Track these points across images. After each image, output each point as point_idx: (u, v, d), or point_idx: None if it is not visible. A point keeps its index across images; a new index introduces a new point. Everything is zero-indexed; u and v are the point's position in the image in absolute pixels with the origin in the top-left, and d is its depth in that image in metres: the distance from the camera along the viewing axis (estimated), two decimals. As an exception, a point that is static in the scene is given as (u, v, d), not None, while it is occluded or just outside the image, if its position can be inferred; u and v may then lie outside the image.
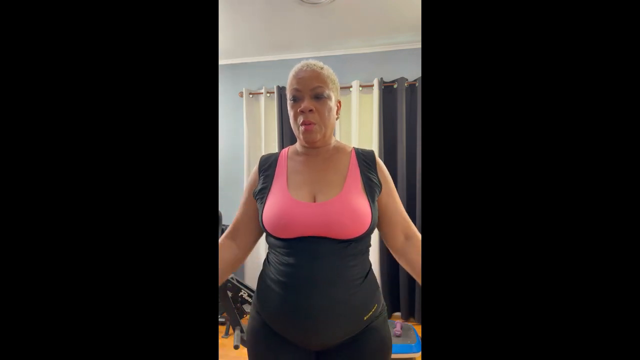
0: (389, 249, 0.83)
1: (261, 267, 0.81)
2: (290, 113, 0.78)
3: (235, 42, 2.36)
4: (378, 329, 0.75)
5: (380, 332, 0.75)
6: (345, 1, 1.84)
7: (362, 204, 0.72)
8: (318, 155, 0.80)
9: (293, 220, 0.70)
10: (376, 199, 0.76)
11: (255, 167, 0.85)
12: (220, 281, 0.83)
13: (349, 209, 0.70)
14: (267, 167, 0.82)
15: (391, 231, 0.80)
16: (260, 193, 0.78)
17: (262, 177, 0.81)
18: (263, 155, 0.86)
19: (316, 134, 0.75)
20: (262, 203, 0.76)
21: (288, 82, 0.78)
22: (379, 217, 0.78)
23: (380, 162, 0.81)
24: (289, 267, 0.71)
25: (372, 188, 0.75)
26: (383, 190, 0.78)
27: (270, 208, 0.73)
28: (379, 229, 0.81)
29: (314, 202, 0.72)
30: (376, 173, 0.79)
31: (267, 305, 0.74)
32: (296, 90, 0.75)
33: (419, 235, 0.80)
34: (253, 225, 0.82)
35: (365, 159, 0.80)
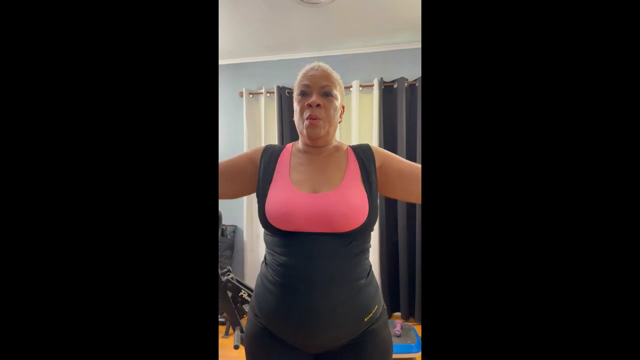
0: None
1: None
2: (297, 108, 0.79)
3: (235, 42, 2.36)
4: (379, 331, 0.75)
5: (381, 335, 0.75)
6: (345, 1, 1.84)
7: (360, 194, 0.73)
8: (320, 154, 0.81)
9: (295, 211, 0.70)
10: (375, 190, 0.76)
11: (258, 149, 0.84)
12: None
13: (348, 198, 0.71)
14: (269, 157, 0.82)
15: (417, 186, 0.78)
16: (262, 183, 0.78)
17: (262, 165, 0.81)
18: (268, 145, 0.86)
19: (320, 129, 0.76)
20: (264, 196, 0.76)
21: (297, 81, 0.80)
22: (404, 184, 0.78)
23: (376, 149, 0.82)
24: (287, 267, 0.71)
25: (370, 180, 0.76)
26: (389, 165, 0.79)
27: (273, 199, 0.73)
28: (406, 195, 0.81)
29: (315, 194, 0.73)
30: (374, 164, 0.79)
31: (265, 308, 0.73)
32: (305, 86, 0.77)
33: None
34: (228, 176, 0.82)
35: (362, 153, 0.81)
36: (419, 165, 0.80)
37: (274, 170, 0.79)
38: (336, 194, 0.72)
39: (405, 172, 0.79)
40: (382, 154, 0.81)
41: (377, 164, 0.79)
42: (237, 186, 0.84)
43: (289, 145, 0.85)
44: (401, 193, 0.81)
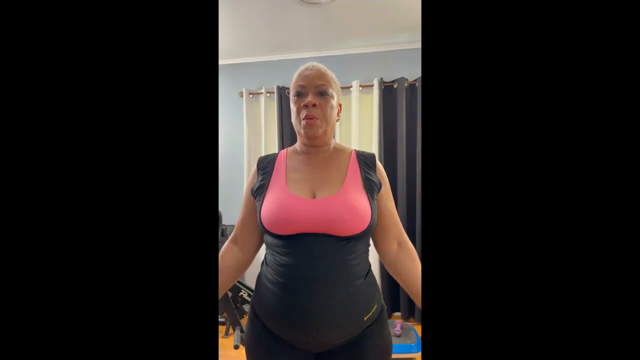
0: (380, 254, 0.83)
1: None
2: (293, 109, 0.79)
3: (235, 42, 2.36)
4: (378, 330, 0.75)
5: (381, 334, 0.75)
6: (345, 1, 1.84)
7: (362, 200, 0.72)
8: (318, 154, 0.81)
9: (292, 216, 0.70)
10: (375, 197, 0.76)
11: (254, 168, 0.85)
12: (226, 288, 0.83)
13: (349, 205, 0.70)
14: (265, 165, 0.82)
15: (385, 236, 0.80)
16: (258, 190, 0.79)
17: (260, 175, 0.81)
18: (261, 156, 0.86)
19: (318, 128, 0.76)
20: (260, 200, 0.76)
21: (292, 81, 0.80)
22: (379, 223, 0.79)
23: (379, 165, 0.82)
24: (287, 267, 0.71)
25: (371, 187, 0.76)
26: (381, 192, 0.79)
27: (269, 204, 0.73)
28: (371, 233, 0.81)
29: (314, 198, 0.73)
30: (375, 174, 0.79)
31: (265, 307, 0.74)
32: (301, 86, 0.77)
33: (411, 244, 0.81)
34: (255, 226, 0.81)
35: (365, 160, 0.81)
36: (395, 214, 0.81)
37: (270, 176, 0.79)
38: (336, 199, 0.71)
39: (386, 214, 0.79)
40: (383, 177, 0.81)
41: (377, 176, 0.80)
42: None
43: (282, 151, 0.85)
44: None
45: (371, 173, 0.78)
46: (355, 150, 0.83)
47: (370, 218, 0.71)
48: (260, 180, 0.80)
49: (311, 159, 0.80)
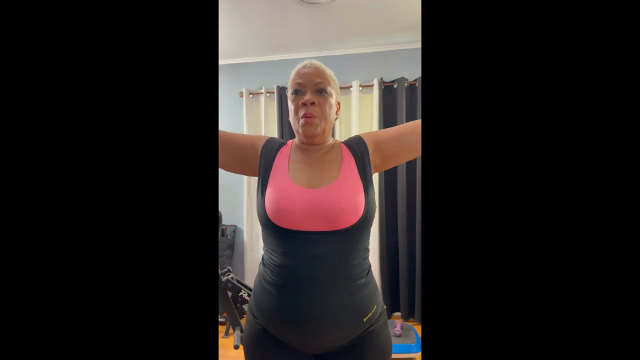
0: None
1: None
2: (291, 107, 0.78)
3: (235, 42, 2.36)
4: (378, 331, 0.75)
5: (381, 335, 0.75)
6: (345, 1, 1.84)
7: (356, 188, 0.72)
8: (317, 153, 0.80)
9: (293, 206, 0.69)
10: (371, 183, 0.76)
11: (261, 138, 0.84)
12: None
13: (344, 192, 0.71)
14: (269, 150, 0.81)
15: (416, 144, 0.79)
16: (262, 178, 0.78)
17: (262, 158, 0.80)
18: (270, 138, 0.85)
19: (316, 127, 0.75)
20: (263, 191, 0.76)
21: (290, 79, 0.79)
22: (401, 145, 0.79)
23: (365, 135, 0.82)
24: (285, 268, 0.70)
25: (366, 173, 0.76)
26: (382, 140, 0.79)
27: (272, 194, 0.73)
28: (409, 153, 0.81)
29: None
30: (368, 153, 0.79)
31: (264, 309, 0.73)
32: (299, 84, 0.76)
33: None
34: (229, 150, 0.81)
35: (353, 145, 0.80)
36: (404, 124, 0.81)
37: (272, 165, 0.78)
38: (333, 188, 0.71)
39: (396, 135, 0.80)
40: (372, 136, 0.81)
41: (371, 148, 0.79)
42: (234, 162, 0.83)
43: (290, 142, 0.84)
44: (405, 155, 0.82)
45: (363, 155, 0.78)
46: (341, 142, 0.83)
47: (364, 205, 0.71)
48: (263, 168, 0.79)
49: (310, 157, 0.79)
